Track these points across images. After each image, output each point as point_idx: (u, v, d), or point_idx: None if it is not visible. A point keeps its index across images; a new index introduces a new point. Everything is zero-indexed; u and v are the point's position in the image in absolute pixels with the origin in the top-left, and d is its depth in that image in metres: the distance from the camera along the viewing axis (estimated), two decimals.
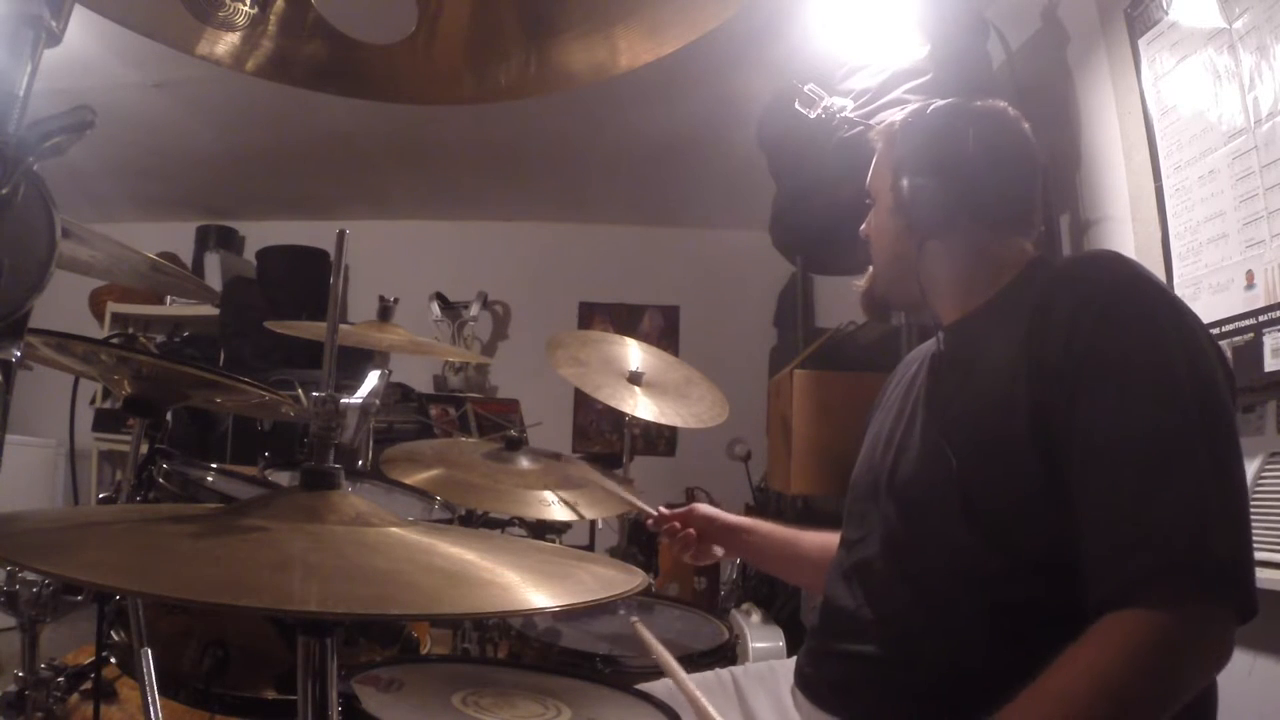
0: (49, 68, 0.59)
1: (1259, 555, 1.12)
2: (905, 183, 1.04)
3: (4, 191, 0.57)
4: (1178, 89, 1.64)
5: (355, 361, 1.68)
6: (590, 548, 2.64)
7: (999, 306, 0.99)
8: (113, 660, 1.27)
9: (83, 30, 1.75)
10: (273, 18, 0.75)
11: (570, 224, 4.77)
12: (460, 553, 0.58)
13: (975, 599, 0.86)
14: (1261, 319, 1.40)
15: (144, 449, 1.28)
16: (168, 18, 0.73)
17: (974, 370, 0.95)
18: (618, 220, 4.72)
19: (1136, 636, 0.72)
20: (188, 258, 4.51)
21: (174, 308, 4.44)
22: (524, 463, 1.59)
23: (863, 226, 1.15)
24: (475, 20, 0.79)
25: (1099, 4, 1.91)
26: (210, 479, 1.53)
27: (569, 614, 1.58)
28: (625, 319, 4.78)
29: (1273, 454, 1.38)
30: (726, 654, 1.49)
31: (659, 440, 4.63)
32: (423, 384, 4.15)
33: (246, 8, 0.73)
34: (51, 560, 0.48)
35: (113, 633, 1.24)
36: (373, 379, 0.83)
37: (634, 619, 1.09)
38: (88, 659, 1.32)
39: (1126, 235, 1.80)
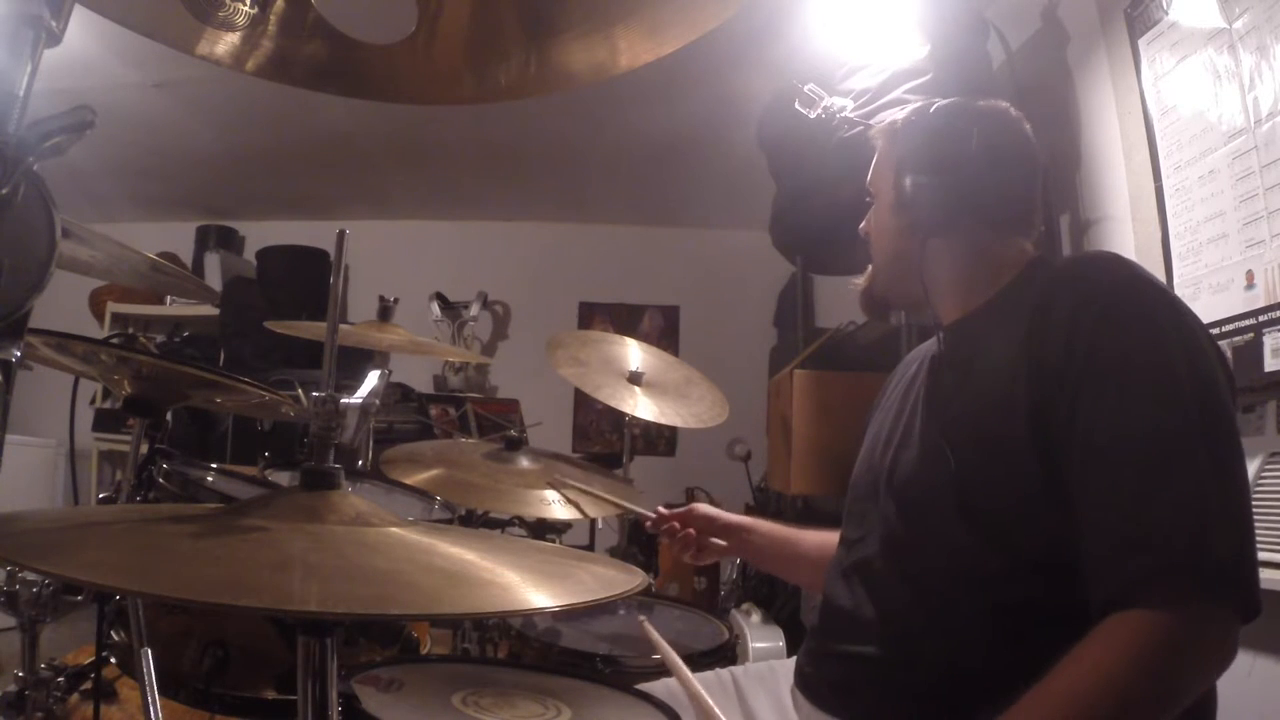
0: (49, 68, 0.59)
1: (1259, 555, 1.12)
2: (907, 181, 1.04)
3: (4, 191, 0.57)
4: (1178, 89, 1.64)
5: (355, 361, 1.68)
6: (590, 548, 2.64)
7: (999, 306, 0.99)
8: (113, 660, 1.27)
9: (83, 30, 1.75)
10: (273, 18, 0.75)
11: (570, 224, 4.77)
12: (460, 553, 0.58)
13: (975, 599, 0.86)
14: (1261, 319, 1.40)
15: (144, 449, 1.28)
16: (168, 18, 0.73)
17: (973, 370, 0.95)
18: (618, 220, 4.72)
19: (1141, 637, 0.72)
20: (188, 258, 4.51)
21: (174, 308, 4.44)
22: (524, 463, 1.59)
23: (862, 224, 1.15)
24: (475, 20, 0.79)
25: (1099, 4, 1.91)
26: (210, 479, 1.53)
27: (569, 614, 1.58)
28: (625, 319, 4.78)
29: (1273, 454, 1.38)
30: (726, 654, 1.49)
31: (659, 440, 4.63)
32: (423, 384, 4.15)
33: (246, 8, 0.73)
34: (51, 560, 0.48)
35: (113, 633, 1.24)
36: (373, 379, 0.83)
37: (642, 618, 1.09)
38: (88, 659, 1.32)
39: (1126, 235, 1.80)
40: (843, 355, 2.55)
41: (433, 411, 3.41)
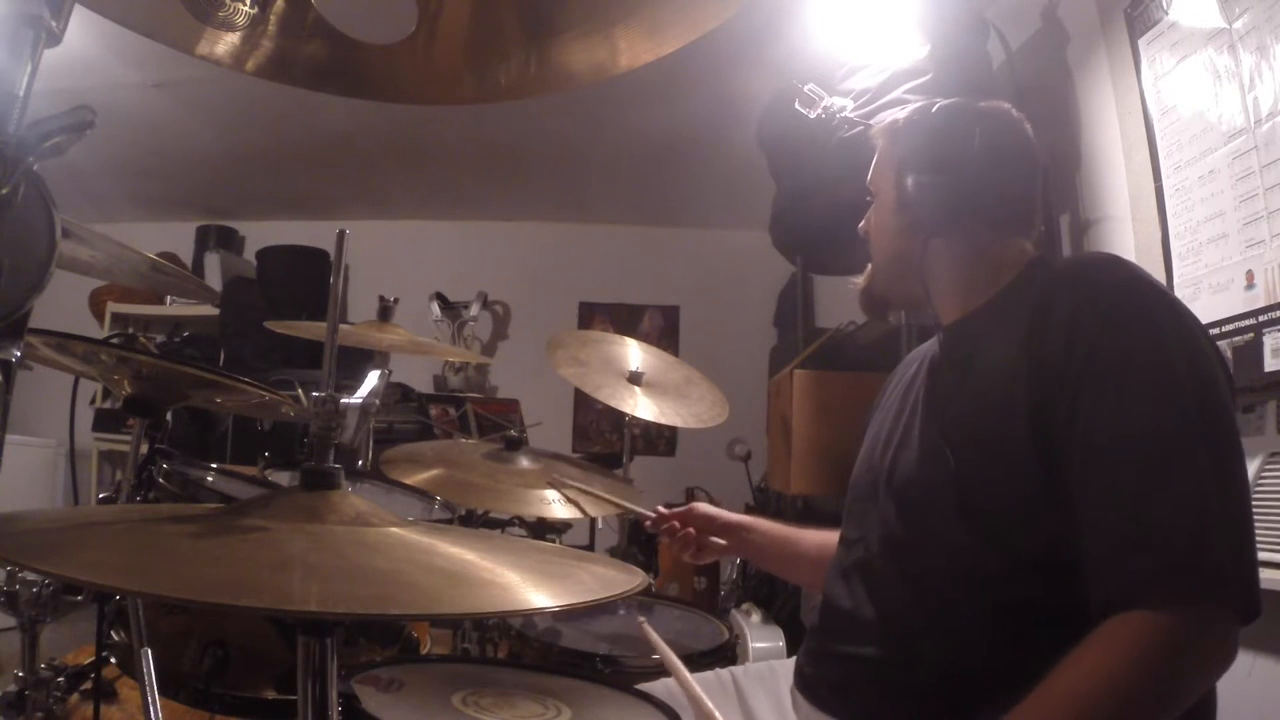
0: (49, 68, 0.59)
1: (1259, 555, 1.12)
2: (909, 180, 1.03)
3: (4, 191, 0.57)
4: (1178, 89, 1.64)
5: (355, 361, 1.68)
6: (590, 548, 2.64)
7: (999, 307, 0.99)
8: (113, 660, 1.27)
9: (83, 30, 1.75)
10: (273, 18, 0.75)
11: (570, 224, 4.77)
12: (460, 553, 0.58)
13: (974, 599, 0.86)
14: (1261, 319, 1.39)
15: (144, 449, 1.28)
16: (168, 18, 0.73)
17: (973, 370, 0.95)
18: (618, 220, 4.72)
19: (1142, 638, 0.72)
20: (188, 258, 4.51)
21: (174, 308, 4.44)
22: (524, 463, 1.59)
23: (862, 223, 1.15)
24: (475, 20, 0.79)
25: (1099, 4, 1.91)
26: (210, 479, 1.53)
27: (569, 614, 1.58)
28: (625, 319, 4.78)
29: (1273, 454, 1.38)
30: (726, 654, 1.49)
31: (659, 440, 4.63)
32: (423, 384, 4.15)
33: (246, 8, 0.73)
34: (51, 560, 0.48)
35: (113, 633, 1.24)
36: (373, 379, 0.83)
37: (641, 619, 1.09)
38: (88, 659, 1.32)
39: (1126, 235, 1.80)
40: (843, 355, 2.55)
41: (433, 411, 3.41)
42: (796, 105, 1.67)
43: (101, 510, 0.99)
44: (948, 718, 0.85)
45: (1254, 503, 0.82)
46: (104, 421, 4.00)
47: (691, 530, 1.36)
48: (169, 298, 4.38)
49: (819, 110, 1.65)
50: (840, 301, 2.96)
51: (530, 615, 1.53)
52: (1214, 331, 1.46)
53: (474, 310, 4.60)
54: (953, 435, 0.91)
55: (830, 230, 1.94)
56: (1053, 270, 0.96)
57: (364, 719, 0.82)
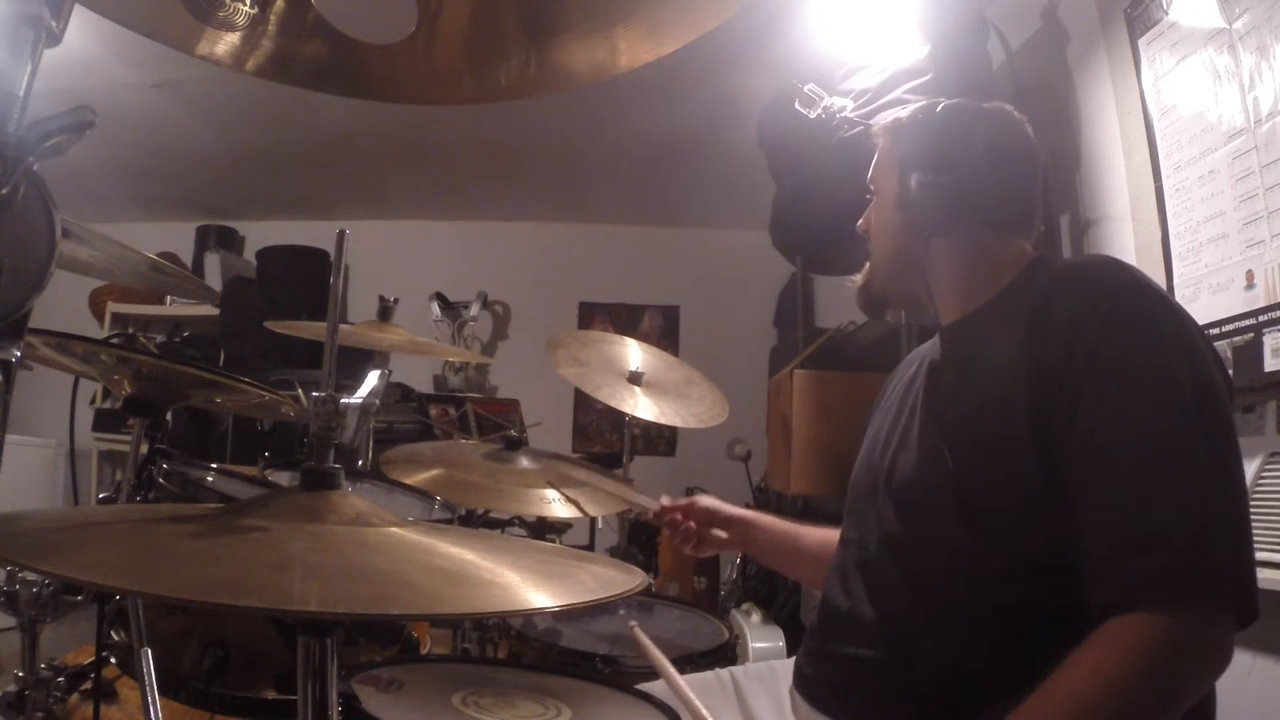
0: (49, 68, 0.59)
1: (1259, 555, 1.12)
2: (911, 179, 1.03)
3: (4, 191, 0.57)
4: (1178, 89, 1.64)
5: (355, 361, 1.68)
6: (590, 548, 2.64)
7: (999, 307, 0.99)
8: (113, 660, 1.27)
9: (83, 30, 1.75)
10: (273, 18, 0.75)
11: (570, 224, 4.77)
12: (460, 553, 0.58)
13: (974, 599, 0.86)
14: (1261, 319, 1.39)
15: (144, 449, 1.28)
16: (168, 18, 0.73)
17: (973, 370, 0.95)
18: (618, 220, 4.72)
19: (1141, 640, 0.72)
20: (188, 258, 4.51)
21: (174, 308, 4.44)
22: (524, 462, 1.59)
23: (861, 221, 1.15)
24: (475, 20, 0.79)
25: (1099, 4, 1.91)
26: (210, 479, 1.53)
27: (569, 614, 1.58)
28: (625, 319, 4.78)
29: (1273, 454, 1.38)
30: (726, 654, 1.49)
31: (659, 440, 4.63)
32: (423, 384, 4.15)
33: (246, 8, 0.73)
34: (51, 560, 0.48)
35: (113, 633, 1.24)
36: (373, 379, 0.83)
37: (632, 623, 1.10)
38: (88, 659, 1.32)
39: (1126, 235, 1.80)
40: (843, 355, 2.55)
41: (433, 411, 3.41)
42: (796, 105, 1.67)
43: (101, 510, 0.99)
44: (948, 718, 0.85)
45: (1253, 503, 0.82)
46: (104, 421, 4.00)
47: (693, 524, 1.36)
48: (169, 298, 4.38)
49: (819, 110, 1.65)
50: (840, 301, 2.96)
51: (530, 615, 1.53)
52: (1214, 331, 1.46)
53: (474, 310, 4.60)
54: (952, 435, 0.91)
55: (830, 230, 1.94)
56: (1053, 271, 0.97)
57: (364, 719, 0.82)
